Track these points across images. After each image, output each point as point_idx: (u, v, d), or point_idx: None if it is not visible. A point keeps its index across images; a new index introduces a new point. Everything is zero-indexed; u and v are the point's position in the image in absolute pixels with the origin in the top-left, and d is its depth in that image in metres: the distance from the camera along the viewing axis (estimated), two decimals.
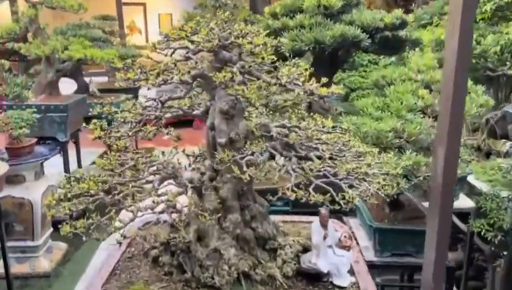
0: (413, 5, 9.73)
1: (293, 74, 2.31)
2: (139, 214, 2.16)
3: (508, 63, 5.45)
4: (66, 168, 6.15)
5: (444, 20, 6.50)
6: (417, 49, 5.75)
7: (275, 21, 5.86)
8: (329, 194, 2.13)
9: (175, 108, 2.68)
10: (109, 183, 2.31)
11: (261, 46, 2.31)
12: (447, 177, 2.18)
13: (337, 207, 2.14)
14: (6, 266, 4.01)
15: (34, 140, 4.90)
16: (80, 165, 6.84)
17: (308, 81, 2.40)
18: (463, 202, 4.36)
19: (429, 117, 3.62)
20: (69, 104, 5.96)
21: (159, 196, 2.23)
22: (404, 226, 3.37)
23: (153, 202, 2.11)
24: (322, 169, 2.19)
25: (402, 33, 5.80)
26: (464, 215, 4.44)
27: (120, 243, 2.10)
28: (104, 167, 2.24)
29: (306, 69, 2.44)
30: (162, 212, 2.24)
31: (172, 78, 2.19)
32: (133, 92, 8.24)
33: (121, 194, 2.24)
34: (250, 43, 2.29)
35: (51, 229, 5.01)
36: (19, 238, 4.70)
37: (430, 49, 5.73)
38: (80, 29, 7.35)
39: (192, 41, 2.38)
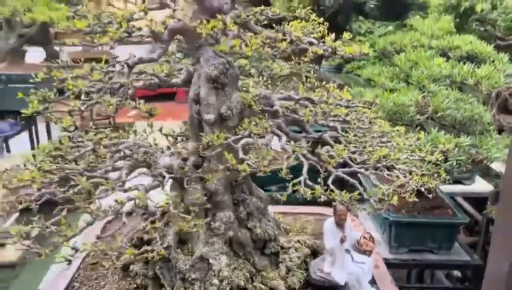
0: None
1: (306, 28, 1.72)
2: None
3: None
4: (33, 147, 5.55)
5: None
6: (417, 16, 5.27)
7: None
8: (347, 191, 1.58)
9: (148, 75, 2.09)
10: (60, 175, 1.72)
11: None
12: None
13: (366, 207, 1.60)
14: None
15: None
16: None
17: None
18: (479, 186, 3.86)
19: (452, 89, 3.08)
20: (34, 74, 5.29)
21: (125, 191, 1.65)
22: (427, 218, 2.86)
23: (116, 201, 1.53)
24: (345, 156, 1.64)
25: None
26: (478, 201, 3.98)
27: (69, 262, 1.52)
28: (49, 152, 1.64)
29: (320, 23, 1.85)
30: (130, 213, 1.67)
31: (140, 30, 1.58)
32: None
33: (75, 189, 1.65)
34: None
35: (17, 214, 4.39)
36: None
37: (436, 14, 5.22)
38: None
39: None
